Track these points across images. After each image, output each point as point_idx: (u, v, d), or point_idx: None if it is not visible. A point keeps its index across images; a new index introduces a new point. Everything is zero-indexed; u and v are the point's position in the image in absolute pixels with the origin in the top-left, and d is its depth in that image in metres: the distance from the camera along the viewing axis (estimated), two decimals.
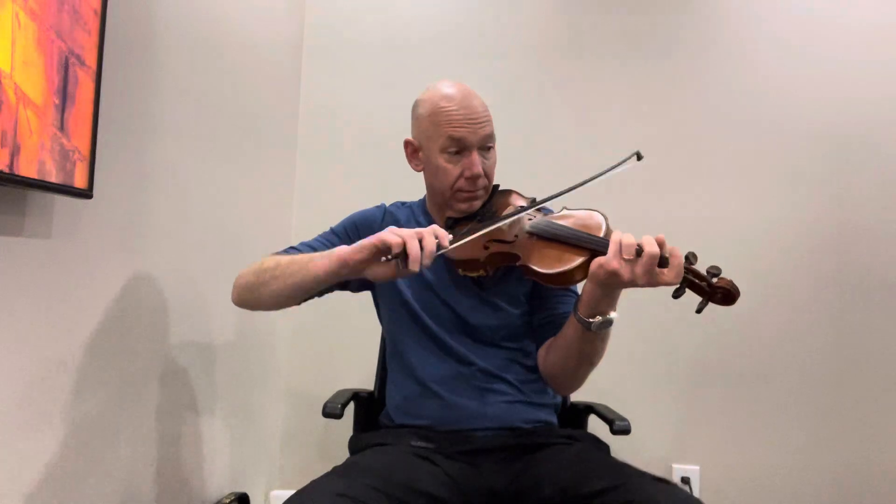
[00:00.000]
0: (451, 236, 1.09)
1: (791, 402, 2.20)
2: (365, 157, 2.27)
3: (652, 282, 1.08)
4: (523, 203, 1.36)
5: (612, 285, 1.12)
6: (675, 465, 2.20)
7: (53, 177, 1.03)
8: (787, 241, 2.23)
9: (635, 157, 1.25)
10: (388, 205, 1.47)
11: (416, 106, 1.37)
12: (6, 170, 0.93)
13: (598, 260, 1.11)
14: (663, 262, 1.08)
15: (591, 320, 1.16)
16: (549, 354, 1.31)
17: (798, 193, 2.23)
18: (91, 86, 1.12)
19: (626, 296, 1.16)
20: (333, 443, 2.19)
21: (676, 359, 2.21)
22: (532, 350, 1.36)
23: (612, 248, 1.09)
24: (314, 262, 1.15)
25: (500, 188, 1.42)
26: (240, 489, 1.88)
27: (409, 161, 1.39)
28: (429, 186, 1.40)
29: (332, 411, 1.38)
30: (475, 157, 1.29)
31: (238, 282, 1.29)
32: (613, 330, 1.19)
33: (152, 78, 1.40)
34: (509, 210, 1.34)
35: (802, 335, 2.21)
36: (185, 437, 1.62)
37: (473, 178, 1.30)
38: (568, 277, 1.18)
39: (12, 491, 1.05)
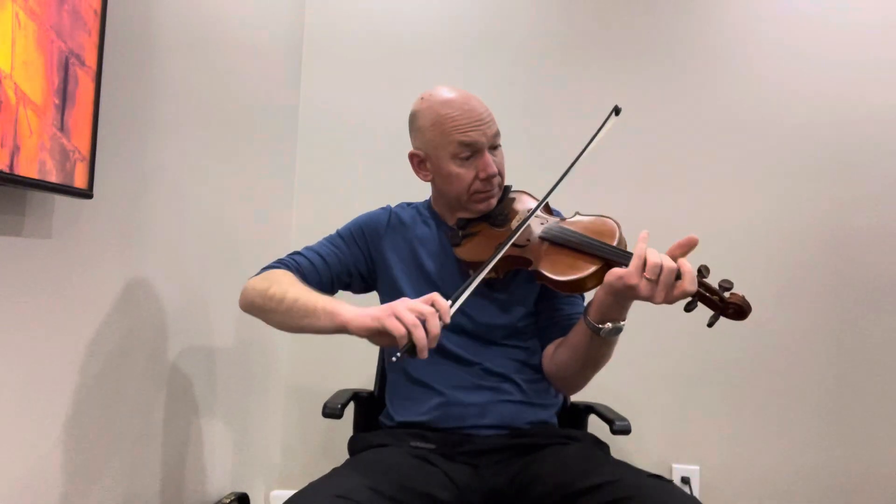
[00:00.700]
0: (450, 304, 1.03)
1: (791, 402, 2.20)
2: (365, 157, 2.27)
3: (669, 298, 1.08)
4: (533, 204, 1.36)
5: (627, 297, 1.13)
6: (675, 465, 2.19)
7: (53, 177, 1.03)
8: (787, 242, 2.23)
9: (614, 113, 1.29)
10: (393, 206, 1.47)
11: (414, 117, 1.36)
12: (6, 170, 0.93)
13: (618, 272, 1.10)
14: (678, 275, 1.08)
15: (601, 326, 1.17)
16: (555, 355, 1.32)
17: (798, 194, 2.23)
18: (91, 86, 1.12)
19: None
20: (333, 443, 2.19)
21: (676, 359, 2.21)
22: (537, 350, 1.37)
23: (634, 264, 1.08)
24: (318, 317, 1.12)
25: (511, 189, 1.42)
26: (240, 489, 1.88)
27: (417, 172, 1.39)
28: (440, 193, 1.40)
29: (332, 411, 1.38)
30: (488, 157, 1.30)
31: (246, 294, 1.28)
32: None
33: (152, 78, 1.40)
34: (520, 213, 1.34)
35: (802, 335, 2.21)
36: (186, 436, 1.62)
37: (489, 178, 1.30)
38: (580, 285, 1.18)
39: (12, 491, 1.05)
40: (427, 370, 1.31)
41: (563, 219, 1.33)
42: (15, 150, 0.94)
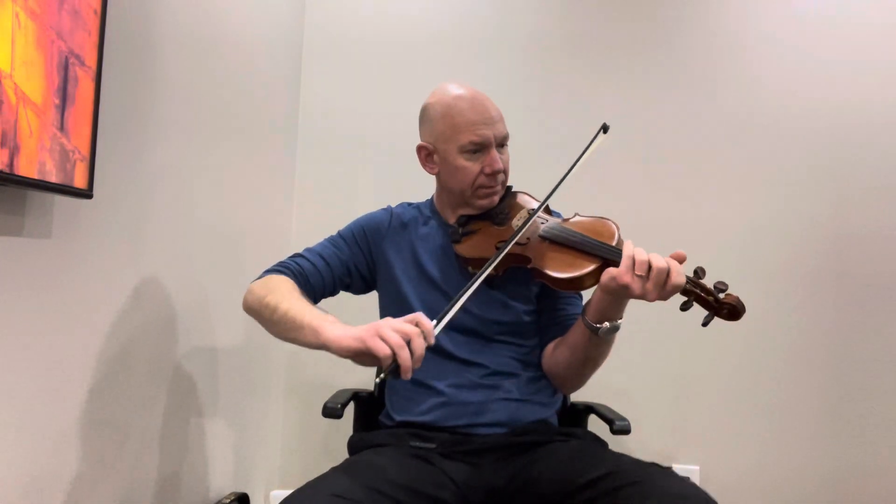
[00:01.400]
0: (434, 325, 1.02)
1: (791, 402, 2.20)
2: (365, 157, 2.27)
3: (662, 295, 1.11)
4: (534, 204, 1.37)
5: (622, 296, 1.15)
6: (675, 465, 2.19)
7: (53, 177, 1.03)
8: (785, 242, 2.23)
9: (602, 130, 1.32)
10: (394, 206, 1.47)
11: (426, 110, 1.37)
12: (6, 170, 0.93)
13: (611, 271, 1.13)
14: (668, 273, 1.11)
15: (598, 326, 1.18)
16: (554, 354, 1.32)
17: (797, 194, 2.23)
18: (91, 86, 1.12)
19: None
20: (333, 443, 2.19)
21: (676, 359, 2.21)
22: (537, 348, 1.37)
23: (624, 263, 1.11)
24: (304, 333, 1.11)
25: (513, 189, 1.43)
26: (240, 489, 1.88)
27: (424, 165, 1.40)
28: (444, 187, 1.41)
29: (332, 411, 1.38)
30: (495, 153, 1.32)
31: (248, 298, 1.28)
32: None
33: (152, 78, 1.40)
34: (521, 213, 1.35)
35: (802, 335, 2.21)
36: (186, 436, 1.62)
37: (494, 174, 1.32)
38: (578, 283, 1.20)
39: (13, 490, 1.05)
40: (427, 369, 1.30)
41: (563, 219, 1.34)
42: (15, 150, 0.94)
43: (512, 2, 2.32)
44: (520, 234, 1.22)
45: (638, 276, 1.09)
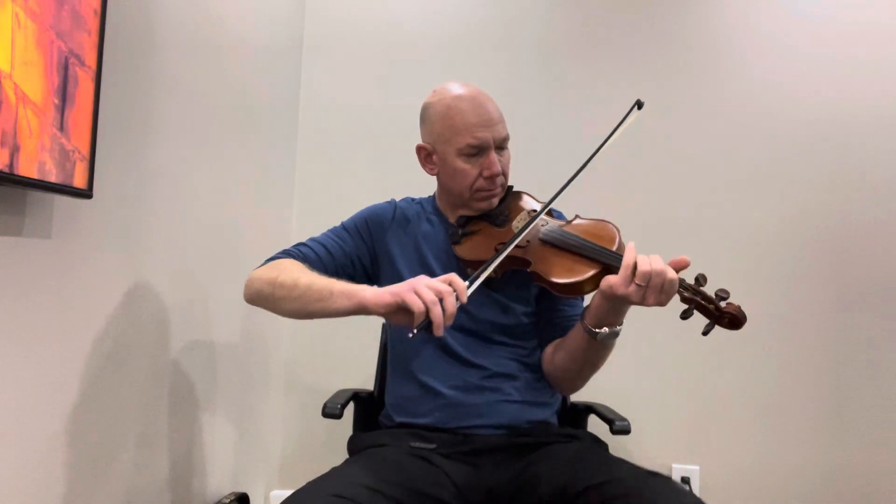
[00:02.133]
0: (467, 286, 1.07)
1: (791, 402, 2.20)
2: (365, 156, 2.27)
3: (660, 300, 1.10)
4: (535, 205, 1.36)
5: (622, 303, 1.14)
6: (675, 465, 2.19)
7: (53, 177, 1.03)
8: (786, 242, 2.22)
9: (636, 107, 1.29)
10: (398, 200, 1.47)
11: (425, 110, 1.36)
12: (6, 170, 0.93)
13: (610, 280, 1.12)
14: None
15: (597, 331, 1.18)
16: (554, 357, 1.32)
17: (797, 195, 2.23)
18: (91, 86, 1.12)
19: None
20: (333, 443, 2.19)
21: (676, 359, 2.21)
22: (537, 350, 1.37)
23: (622, 273, 1.10)
24: (334, 300, 1.13)
25: (513, 189, 1.42)
26: (240, 489, 1.88)
27: (423, 166, 1.39)
28: (444, 188, 1.40)
29: (331, 411, 1.38)
30: (493, 156, 1.30)
31: (252, 285, 1.27)
32: None
33: (152, 78, 1.40)
34: (521, 214, 1.34)
35: (801, 336, 2.21)
36: (186, 436, 1.62)
37: (493, 177, 1.31)
38: (578, 288, 1.19)
39: (13, 490, 1.05)
40: (429, 370, 1.31)
41: (564, 221, 1.33)
42: (15, 150, 0.94)
43: (514, 2, 2.32)
44: (520, 237, 1.21)
45: (638, 285, 1.08)
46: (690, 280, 1.14)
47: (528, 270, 1.24)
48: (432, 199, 1.47)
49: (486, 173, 1.30)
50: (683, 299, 1.13)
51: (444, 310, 1.01)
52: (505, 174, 1.35)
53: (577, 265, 1.19)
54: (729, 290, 1.13)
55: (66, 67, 1.05)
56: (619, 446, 1.34)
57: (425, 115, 1.36)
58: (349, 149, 2.28)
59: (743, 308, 1.12)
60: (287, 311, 1.22)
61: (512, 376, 1.31)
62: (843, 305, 2.20)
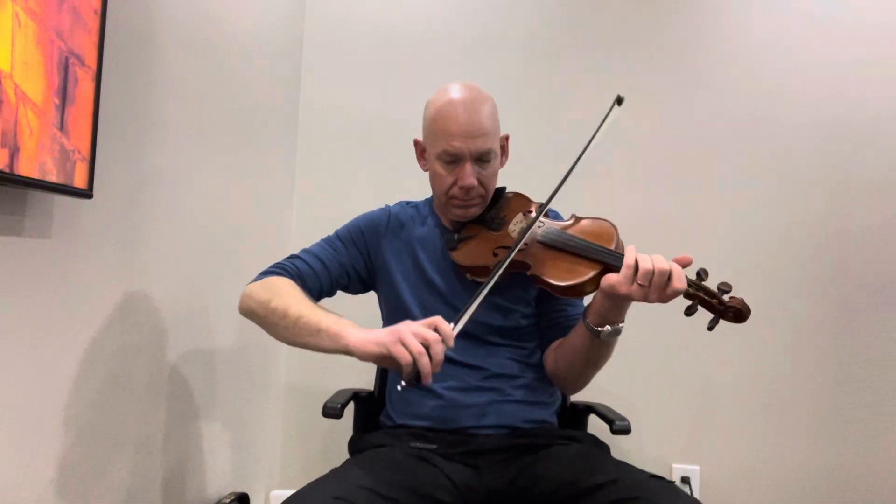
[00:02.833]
0: (453, 327, 1.05)
1: (791, 401, 2.20)
2: (365, 157, 2.27)
3: (662, 298, 1.10)
4: (531, 208, 1.35)
5: (623, 301, 1.14)
6: (674, 465, 2.19)
7: (53, 177, 1.03)
8: (786, 241, 2.22)
9: (616, 103, 1.27)
10: (392, 206, 1.47)
11: (426, 106, 1.36)
12: (6, 170, 0.93)
13: (611, 279, 1.11)
14: (669, 276, 1.10)
15: (600, 329, 1.18)
16: (556, 356, 1.32)
17: (796, 194, 2.23)
18: (91, 86, 1.12)
19: None
20: (333, 443, 2.19)
21: (676, 359, 2.21)
22: (537, 350, 1.37)
23: (624, 272, 1.10)
24: (321, 338, 1.12)
25: (508, 190, 1.41)
26: (240, 489, 1.88)
27: (418, 160, 1.40)
28: (431, 187, 1.40)
29: (332, 411, 1.38)
30: (468, 168, 1.28)
31: (246, 301, 1.27)
32: None
33: (152, 78, 1.40)
34: (516, 217, 1.33)
35: (801, 335, 2.21)
36: (186, 436, 1.62)
37: (465, 189, 1.30)
38: (579, 290, 1.19)
39: (13, 490, 1.05)
40: None
41: (561, 221, 1.32)
42: (15, 150, 0.94)
43: (513, 1, 2.32)
44: (513, 254, 1.20)
45: (640, 284, 1.08)
46: (692, 275, 1.13)
47: (528, 273, 1.23)
48: (429, 200, 1.46)
49: (459, 183, 1.29)
50: (687, 295, 1.13)
51: (431, 358, 1.00)
52: (484, 186, 1.32)
53: (577, 266, 1.19)
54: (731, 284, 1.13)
55: (66, 67, 1.05)
56: (619, 446, 1.34)
57: (424, 112, 1.37)
58: (349, 149, 2.28)
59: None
60: (277, 337, 1.22)
61: (513, 376, 1.31)
62: (842, 305, 2.20)
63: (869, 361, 2.19)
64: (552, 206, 1.38)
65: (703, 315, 1.15)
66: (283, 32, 2.16)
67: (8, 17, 0.92)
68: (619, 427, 1.39)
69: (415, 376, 0.99)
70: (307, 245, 1.40)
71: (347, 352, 1.08)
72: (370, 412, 1.52)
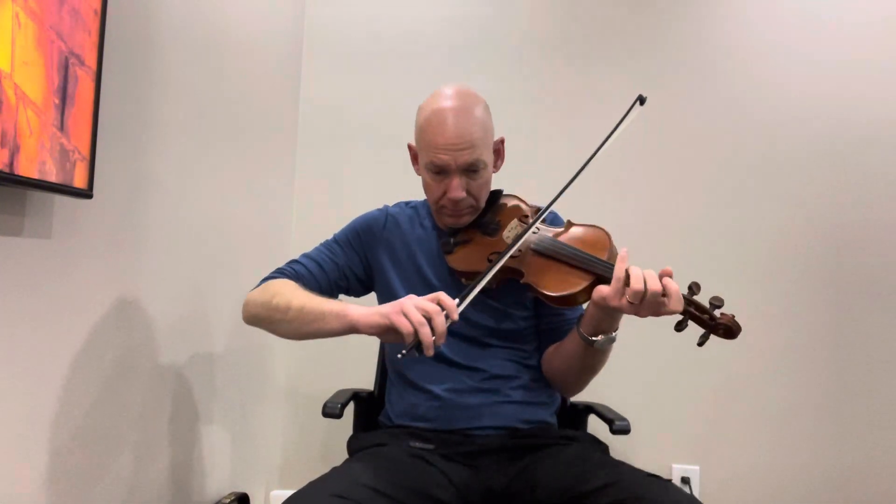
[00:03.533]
0: (457, 302, 1.06)
1: (792, 402, 2.20)
2: (365, 157, 2.27)
3: (656, 315, 1.09)
4: (527, 212, 1.34)
5: (615, 312, 1.14)
6: (674, 465, 2.19)
7: (53, 177, 1.03)
8: (785, 242, 2.22)
9: (638, 102, 1.25)
10: (391, 206, 1.46)
11: (417, 112, 1.34)
12: (6, 170, 0.93)
13: (602, 292, 1.11)
14: (664, 292, 1.08)
15: (594, 339, 1.18)
16: (552, 361, 1.32)
17: (795, 194, 2.23)
18: (91, 86, 1.12)
19: None
20: (333, 443, 2.19)
21: (676, 359, 2.21)
22: (535, 351, 1.37)
23: (614, 287, 1.09)
24: (326, 321, 1.15)
25: (505, 193, 1.40)
26: (240, 489, 1.88)
27: (412, 164, 1.39)
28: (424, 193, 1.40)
29: (331, 411, 1.38)
30: (455, 181, 1.26)
31: (248, 307, 1.29)
32: None
33: (152, 78, 1.40)
34: (512, 223, 1.32)
35: (802, 334, 2.21)
36: (186, 436, 1.62)
37: (454, 201, 1.28)
38: (571, 300, 1.18)
39: (13, 491, 1.05)
40: (425, 374, 1.31)
41: (557, 227, 1.30)
42: (15, 150, 0.94)
43: (512, 3, 2.32)
44: (510, 252, 1.19)
45: (629, 302, 1.07)
46: (683, 289, 1.11)
47: (522, 282, 1.23)
48: (426, 201, 1.46)
49: (447, 196, 1.28)
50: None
51: (433, 330, 1.01)
52: (475, 196, 1.30)
53: (570, 276, 1.18)
54: (724, 296, 1.11)
55: (66, 67, 1.05)
56: (618, 446, 1.34)
57: (415, 118, 1.34)
58: (349, 149, 2.28)
59: (741, 309, 1.12)
60: (283, 333, 1.24)
61: (511, 377, 1.31)
62: (843, 304, 2.20)
63: (869, 361, 2.19)
64: (554, 208, 1.36)
65: (696, 329, 1.14)
66: (283, 32, 2.16)
67: (8, 18, 0.92)
68: (619, 427, 1.39)
69: (416, 346, 1.01)
70: (306, 245, 1.41)
71: (353, 328, 1.11)
72: (370, 412, 1.52)
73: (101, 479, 1.28)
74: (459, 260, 1.31)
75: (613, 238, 1.23)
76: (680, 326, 1.13)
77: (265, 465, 2.15)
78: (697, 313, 1.12)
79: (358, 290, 1.42)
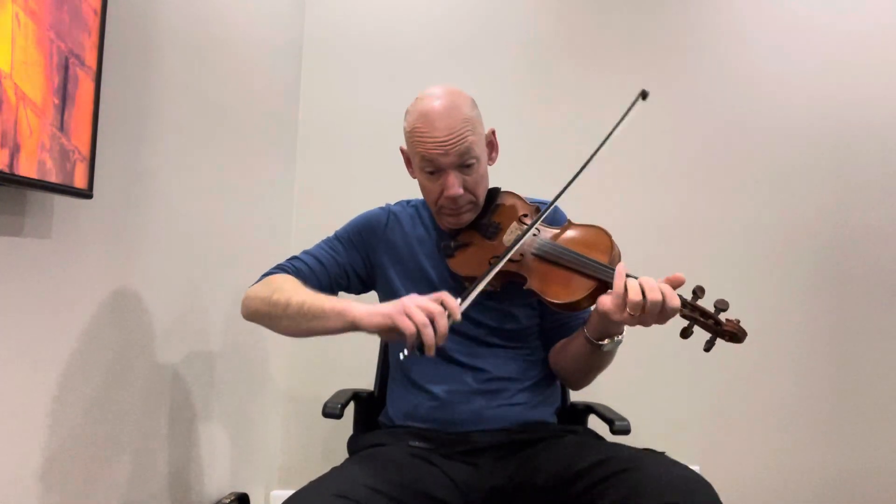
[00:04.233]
0: (459, 302, 1.06)
1: (792, 402, 2.20)
2: (365, 157, 2.27)
3: (659, 321, 1.09)
4: (525, 210, 1.33)
5: (619, 324, 1.14)
6: None
7: (53, 177, 1.03)
8: (787, 243, 2.23)
9: (641, 97, 1.24)
10: (392, 204, 1.46)
11: (405, 115, 1.32)
12: (6, 170, 0.93)
13: (605, 305, 1.11)
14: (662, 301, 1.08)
15: (601, 343, 1.19)
16: (559, 359, 1.33)
17: (797, 194, 2.24)
18: (91, 86, 1.12)
19: None
20: (333, 443, 2.19)
21: (677, 359, 2.21)
22: (539, 351, 1.36)
23: (614, 302, 1.09)
24: (327, 318, 1.13)
25: (503, 191, 1.39)
26: (240, 489, 1.88)
27: (406, 168, 1.38)
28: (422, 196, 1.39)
29: (331, 411, 1.38)
30: (451, 178, 1.25)
31: (248, 302, 1.28)
32: None
33: (152, 78, 1.40)
34: (512, 225, 1.31)
35: (803, 335, 2.21)
36: (186, 436, 1.62)
37: (452, 198, 1.27)
38: (575, 306, 1.18)
39: (13, 491, 1.05)
40: (427, 374, 1.31)
41: (558, 228, 1.29)
42: (15, 150, 0.94)
43: (512, 2, 2.32)
44: (510, 254, 1.18)
45: (631, 314, 1.07)
46: (688, 295, 1.11)
47: (525, 288, 1.22)
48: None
49: (445, 193, 1.27)
50: (683, 316, 1.11)
51: (435, 330, 1.01)
52: (473, 191, 1.28)
53: (573, 282, 1.17)
54: (724, 296, 1.11)
55: (66, 67, 1.05)
56: None
57: (404, 123, 1.32)
58: (349, 149, 2.28)
59: (742, 309, 1.11)
60: (283, 330, 1.23)
61: (513, 378, 1.31)
62: (845, 305, 2.20)
63: (870, 362, 2.19)
64: (559, 203, 1.32)
65: (702, 334, 1.14)
66: (283, 33, 2.16)
67: (8, 17, 0.92)
68: (619, 427, 1.39)
69: (418, 347, 1.01)
70: (307, 244, 1.41)
71: (354, 326, 1.10)
72: (370, 412, 1.52)
73: (101, 480, 1.28)
74: (460, 264, 1.30)
75: (615, 238, 1.23)
76: (686, 333, 1.12)
77: (265, 465, 2.15)
78: (703, 319, 1.11)
79: (358, 287, 1.42)
